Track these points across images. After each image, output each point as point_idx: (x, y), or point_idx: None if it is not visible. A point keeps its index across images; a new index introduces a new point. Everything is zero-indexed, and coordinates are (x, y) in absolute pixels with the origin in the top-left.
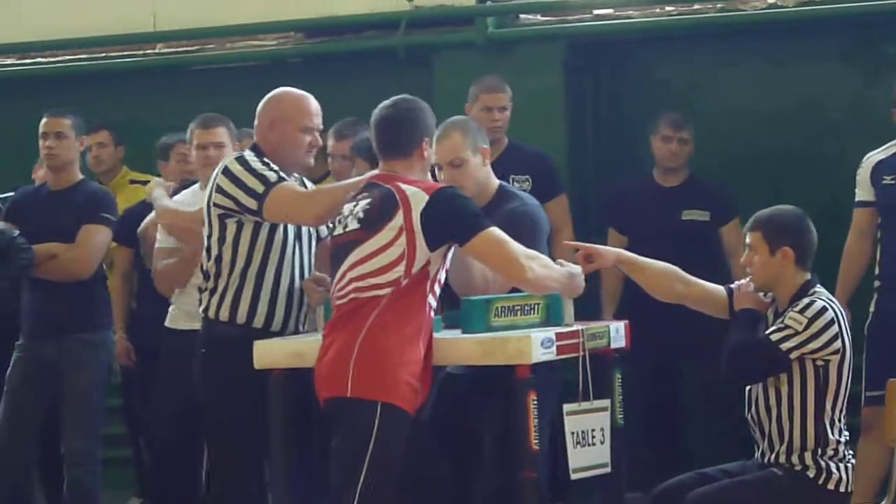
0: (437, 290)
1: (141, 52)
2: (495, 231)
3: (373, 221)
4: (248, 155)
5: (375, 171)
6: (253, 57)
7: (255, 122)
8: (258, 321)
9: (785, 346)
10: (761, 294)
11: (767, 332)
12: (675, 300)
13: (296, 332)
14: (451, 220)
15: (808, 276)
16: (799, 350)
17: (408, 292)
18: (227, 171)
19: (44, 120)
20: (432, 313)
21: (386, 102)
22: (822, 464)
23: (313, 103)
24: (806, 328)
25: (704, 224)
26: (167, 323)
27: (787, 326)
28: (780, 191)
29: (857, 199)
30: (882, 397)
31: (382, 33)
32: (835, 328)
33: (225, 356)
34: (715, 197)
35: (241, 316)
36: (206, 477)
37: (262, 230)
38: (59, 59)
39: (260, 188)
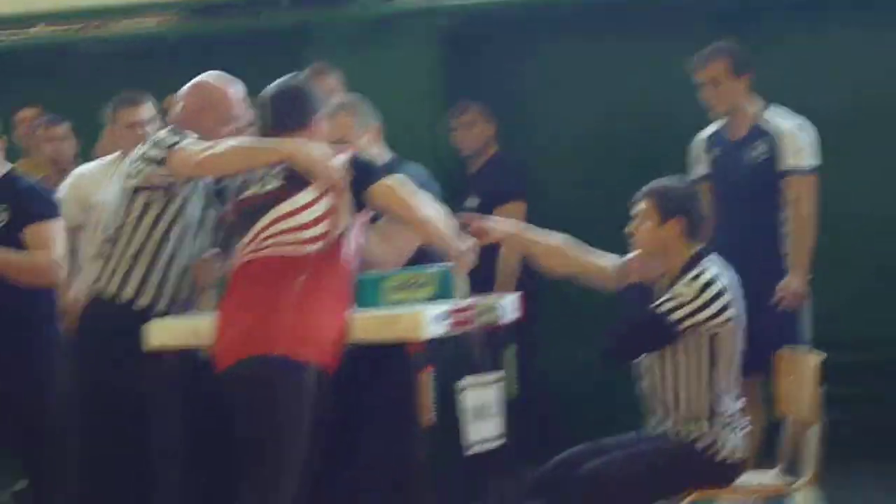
0: (354, 260)
1: (21, 31)
2: (392, 178)
3: (297, 179)
4: (163, 131)
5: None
6: (133, 38)
7: (178, 106)
8: (142, 302)
9: (674, 316)
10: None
11: (656, 303)
12: (568, 274)
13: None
14: (355, 173)
15: (697, 247)
16: (689, 320)
17: (331, 259)
18: (141, 146)
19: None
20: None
21: (278, 81)
22: (714, 433)
23: (234, 91)
24: (695, 298)
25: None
26: None
27: (675, 297)
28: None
29: (696, 172)
30: None
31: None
32: (725, 297)
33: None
34: (487, 181)
35: (127, 295)
36: None
37: (166, 210)
38: None
39: (165, 144)
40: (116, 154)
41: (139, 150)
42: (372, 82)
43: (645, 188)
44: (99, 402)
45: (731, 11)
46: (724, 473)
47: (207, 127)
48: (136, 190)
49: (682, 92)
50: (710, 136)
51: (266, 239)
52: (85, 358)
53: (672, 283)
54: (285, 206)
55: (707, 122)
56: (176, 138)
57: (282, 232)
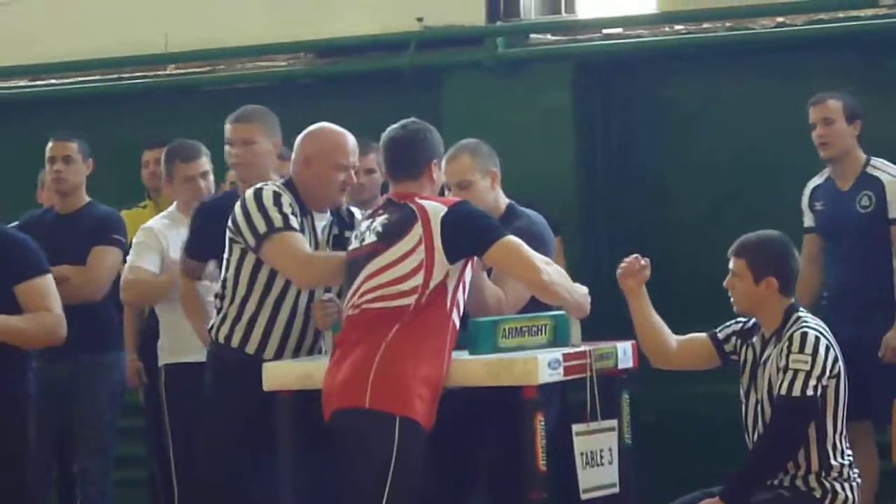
0: (460, 310)
1: (152, 73)
2: (513, 238)
3: (391, 234)
4: (268, 189)
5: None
6: (262, 78)
7: (292, 156)
8: (251, 347)
9: (808, 392)
10: None
11: (782, 388)
12: (666, 361)
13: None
14: (470, 230)
15: (791, 301)
16: (818, 386)
17: (428, 308)
18: (242, 201)
19: (50, 144)
20: (455, 334)
21: (395, 125)
22: (828, 485)
23: (350, 140)
24: (813, 365)
25: None
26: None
27: (796, 372)
28: (786, 207)
29: (804, 224)
30: None
31: (391, 54)
32: (832, 352)
33: (217, 378)
34: None
35: (236, 341)
36: None
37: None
38: (71, 80)
39: (262, 228)
40: (173, 208)
41: (239, 207)
42: (500, 123)
43: (738, 244)
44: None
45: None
46: None
47: (321, 175)
48: (232, 241)
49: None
50: (816, 188)
51: (365, 294)
52: (206, 401)
53: (769, 339)
54: (380, 261)
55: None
56: (278, 218)
57: (378, 286)
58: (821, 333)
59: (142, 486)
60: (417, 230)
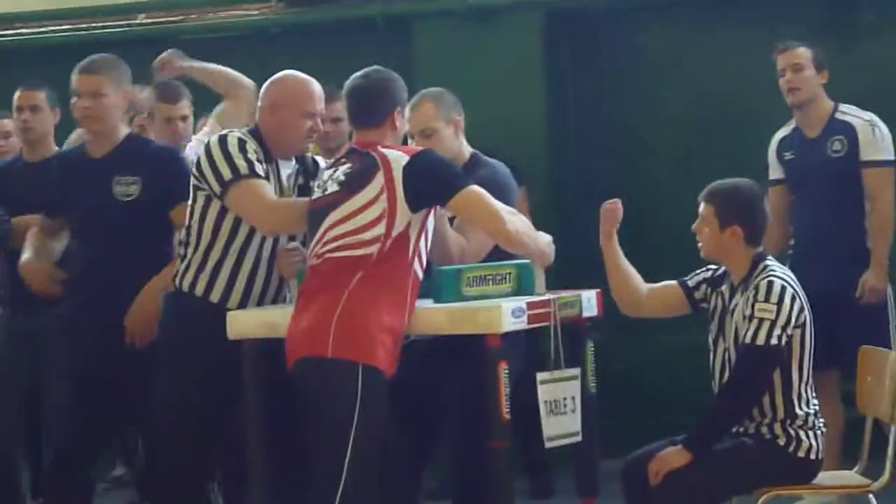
0: (422, 259)
1: (123, 22)
2: (477, 188)
3: (353, 183)
4: (233, 136)
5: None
6: (234, 27)
7: (258, 103)
8: (214, 296)
9: (772, 341)
10: None
11: (747, 336)
12: (636, 309)
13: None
14: (432, 179)
15: (759, 249)
16: (783, 335)
17: (390, 257)
18: (207, 147)
19: (17, 94)
20: (417, 283)
21: (357, 73)
22: (792, 432)
23: (316, 87)
24: (778, 314)
25: None
26: None
27: (760, 320)
28: (756, 157)
29: (769, 178)
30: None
31: (363, 2)
32: (798, 302)
33: (179, 325)
34: None
35: (200, 289)
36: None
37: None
38: (41, 30)
39: (227, 175)
40: None
41: (204, 154)
42: (470, 72)
43: (707, 190)
44: (180, 389)
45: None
46: (802, 471)
47: (287, 123)
48: (197, 188)
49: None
50: (784, 139)
51: (327, 243)
52: (168, 349)
53: (737, 286)
54: (342, 210)
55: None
56: (244, 165)
57: (340, 235)
58: (787, 283)
59: None
60: (379, 179)
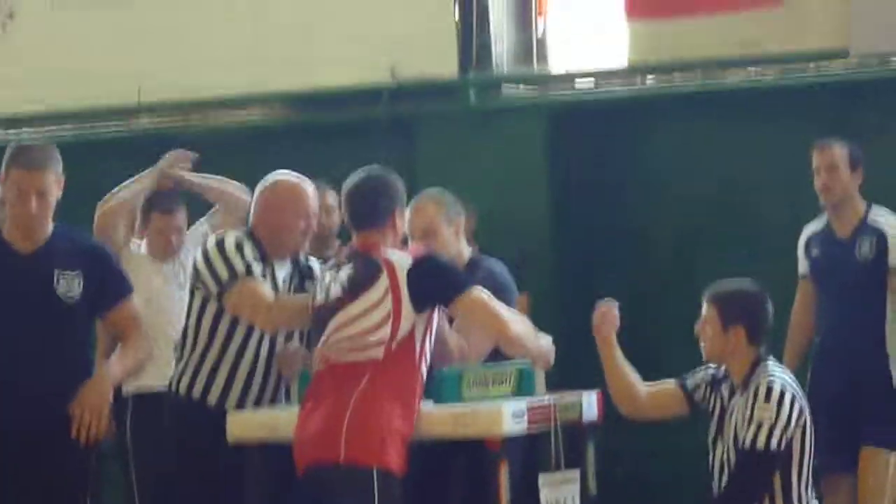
0: (427, 360)
1: (126, 124)
2: (479, 290)
3: (357, 285)
4: (231, 236)
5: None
6: (236, 129)
7: (251, 207)
8: (212, 398)
9: (772, 444)
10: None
11: (746, 439)
12: (634, 410)
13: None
14: (436, 281)
15: (760, 350)
16: (783, 438)
17: (397, 359)
18: (204, 249)
19: None
20: (422, 384)
21: (356, 173)
22: None
23: (309, 188)
24: (777, 416)
25: None
26: None
27: (760, 424)
28: (762, 260)
29: (798, 271)
30: (822, 465)
31: (365, 105)
32: (797, 404)
33: (175, 430)
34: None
35: (197, 392)
36: None
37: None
38: (44, 131)
39: (225, 276)
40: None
41: (201, 255)
42: (472, 171)
43: (710, 290)
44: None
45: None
46: None
47: (281, 224)
48: (193, 289)
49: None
50: (812, 236)
51: (333, 346)
52: (163, 454)
53: (737, 388)
54: (347, 313)
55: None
56: (241, 265)
57: (347, 338)
58: (786, 384)
59: None
60: (384, 281)
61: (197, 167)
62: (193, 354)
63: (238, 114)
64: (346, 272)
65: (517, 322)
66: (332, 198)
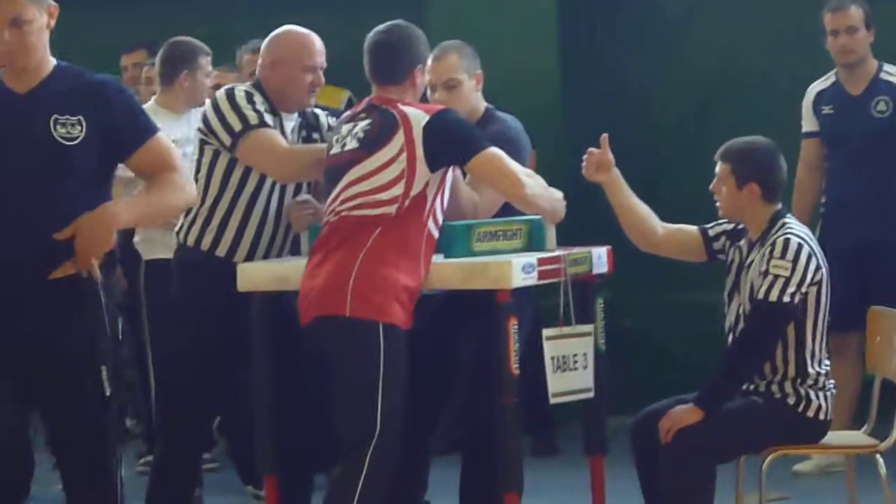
0: (439, 218)
1: None
2: (495, 150)
3: (373, 141)
4: (240, 89)
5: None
6: None
7: (259, 60)
8: (221, 250)
9: (785, 298)
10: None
11: (760, 293)
12: (651, 245)
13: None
14: (452, 139)
15: (777, 207)
16: (797, 293)
17: (407, 217)
18: (213, 101)
19: None
20: (433, 242)
21: (380, 28)
22: (802, 392)
23: (317, 42)
24: (793, 271)
25: None
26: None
27: (775, 277)
28: (774, 114)
29: (803, 130)
30: (832, 324)
31: None
32: (814, 261)
33: (188, 282)
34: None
35: (206, 243)
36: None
37: (237, 162)
38: None
39: (237, 126)
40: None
41: (211, 107)
42: (484, 26)
43: (723, 149)
44: (183, 342)
45: None
46: (810, 431)
47: (289, 77)
48: (204, 143)
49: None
50: (822, 93)
51: (345, 200)
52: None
53: (755, 243)
54: (362, 168)
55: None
56: (253, 115)
57: (359, 194)
58: (804, 240)
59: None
60: (400, 138)
61: (210, 21)
62: (202, 207)
63: None
64: (362, 125)
65: (531, 181)
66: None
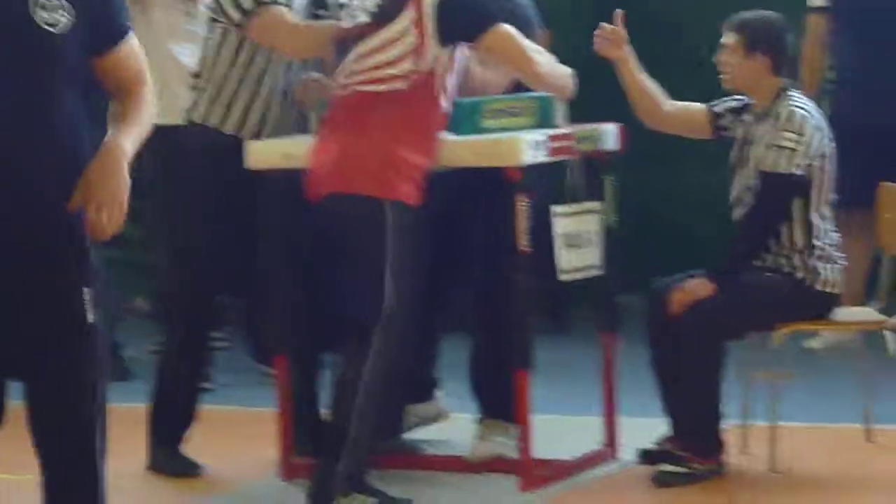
0: (448, 94)
1: None
2: (507, 27)
3: (384, 14)
4: None
5: None
6: None
7: None
8: (228, 127)
9: (793, 169)
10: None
11: (767, 164)
12: (658, 121)
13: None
14: (463, 16)
15: (782, 80)
16: (806, 164)
17: (417, 92)
18: None
19: None
20: (444, 119)
21: None
22: (811, 265)
23: None
24: (798, 143)
25: None
26: None
27: (782, 149)
28: None
29: (809, 4)
30: (842, 200)
31: None
32: (820, 133)
33: (195, 159)
34: None
35: (214, 120)
36: None
37: (246, 41)
38: None
39: (248, 3)
40: None
41: None
42: None
43: (733, 19)
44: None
45: None
46: (818, 304)
47: None
48: (213, 21)
49: None
50: None
51: (354, 74)
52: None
53: (760, 117)
54: (371, 42)
55: None
56: None
57: (368, 68)
58: (809, 113)
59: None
60: (410, 12)
61: None
62: (210, 84)
63: None
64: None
65: (541, 58)
66: None
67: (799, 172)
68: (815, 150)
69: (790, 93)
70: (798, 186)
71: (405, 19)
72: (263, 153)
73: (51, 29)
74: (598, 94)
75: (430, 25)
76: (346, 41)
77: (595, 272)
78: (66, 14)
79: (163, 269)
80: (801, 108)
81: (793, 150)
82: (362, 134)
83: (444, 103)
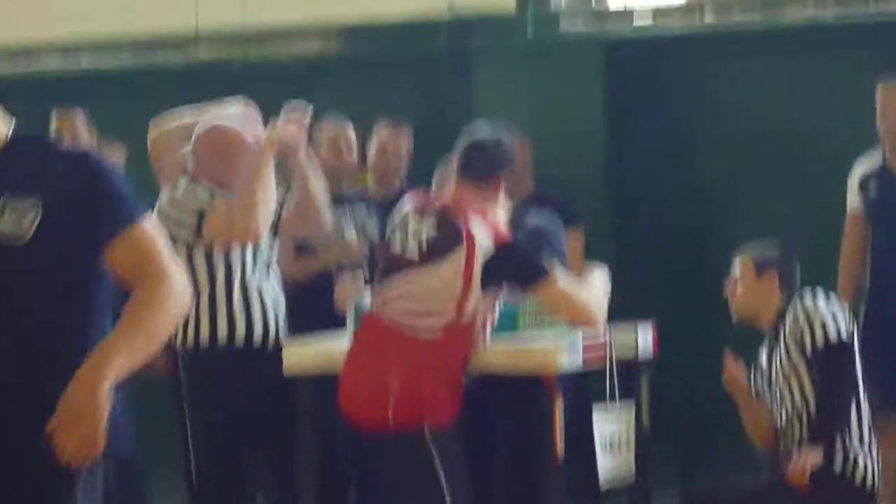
0: (490, 328)
1: (184, 55)
2: (556, 279)
3: (433, 252)
4: (178, 187)
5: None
6: (294, 60)
7: (190, 154)
8: (220, 338)
9: (841, 334)
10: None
11: (816, 342)
12: (768, 444)
13: (265, 342)
14: (514, 270)
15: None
16: (844, 332)
17: (456, 338)
18: (159, 209)
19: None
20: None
21: (482, 126)
22: (849, 446)
23: (246, 136)
24: (825, 311)
25: None
26: None
27: (818, 323)
28: (818, 198)
29: (849, 207)
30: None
31: (423, 38)
32: (840, 306)
33: (214, 379)
34: None
35: (222, 336)
36: None
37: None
38: (103, 58)
39: (191, 219)
40: None
41: (159, 217)
42: (532, 108)
43: (739, 251)
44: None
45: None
46: (859, 500)
47: (227, 173)
48: (174, 239)
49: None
50: (869, 174)
51: (394, 301)
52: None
53: (770, 334)
54: (416, 275)
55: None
56: (204, 197)
57: (411, 300)
58: (817, 294)
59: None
60: (460, 258)
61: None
62: (201, 304)
63: (295, 45)
64: (427, 229)
65: (591, 300)
66: (349, 134)
67: (847, 339)
68: (843, 320)
69: (795, 294)
70: (852, 353)
71: (455, 262)
72: (299, 358)
73: (13, 241)
74: (632, 289)
75: (477, 275)
76: (392, 262)
77: (629, 481)
78: (35, 214)
79: None
80: (808, 292)
81: (828, 319)
82: (395, 373)
83: (485, 334)
